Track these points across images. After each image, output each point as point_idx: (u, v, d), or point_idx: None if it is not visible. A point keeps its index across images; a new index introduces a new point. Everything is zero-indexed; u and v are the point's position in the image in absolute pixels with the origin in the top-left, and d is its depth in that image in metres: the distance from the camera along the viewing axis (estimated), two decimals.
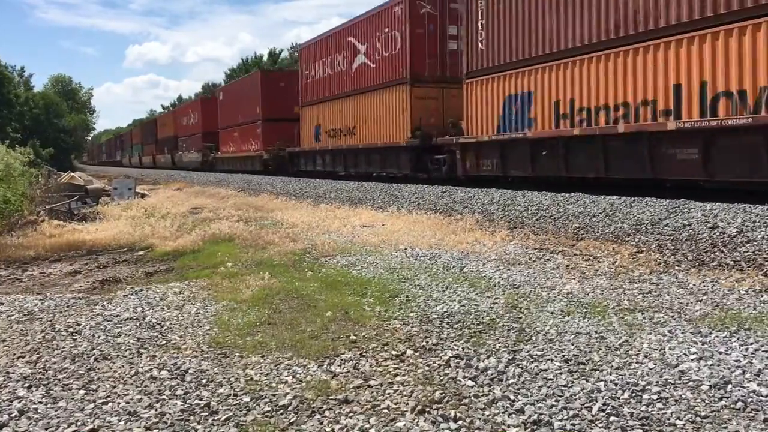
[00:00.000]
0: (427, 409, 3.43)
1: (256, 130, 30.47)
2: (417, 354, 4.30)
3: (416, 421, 3.31)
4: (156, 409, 3.53)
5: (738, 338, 4.40)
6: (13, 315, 5.67)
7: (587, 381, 3.73)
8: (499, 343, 4.46)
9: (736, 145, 9.26)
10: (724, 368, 3.83)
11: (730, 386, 3.57)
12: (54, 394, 3.78)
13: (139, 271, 8.08)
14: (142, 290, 6.55)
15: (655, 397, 3.48)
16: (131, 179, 22.33)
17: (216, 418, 3.43)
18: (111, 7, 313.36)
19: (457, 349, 4.33)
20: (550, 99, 12.68)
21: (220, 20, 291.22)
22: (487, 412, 3.39)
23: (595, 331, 4.64)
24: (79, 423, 3.38)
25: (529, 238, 9.47)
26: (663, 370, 3.85)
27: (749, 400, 3.40)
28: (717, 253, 7.23)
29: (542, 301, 5.59)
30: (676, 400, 3.44)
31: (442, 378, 3.87)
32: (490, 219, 11.17)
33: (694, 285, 6.15)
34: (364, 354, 4.34)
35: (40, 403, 3.65)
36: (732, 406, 3.36)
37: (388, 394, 3.66)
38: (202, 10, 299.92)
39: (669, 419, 3.24)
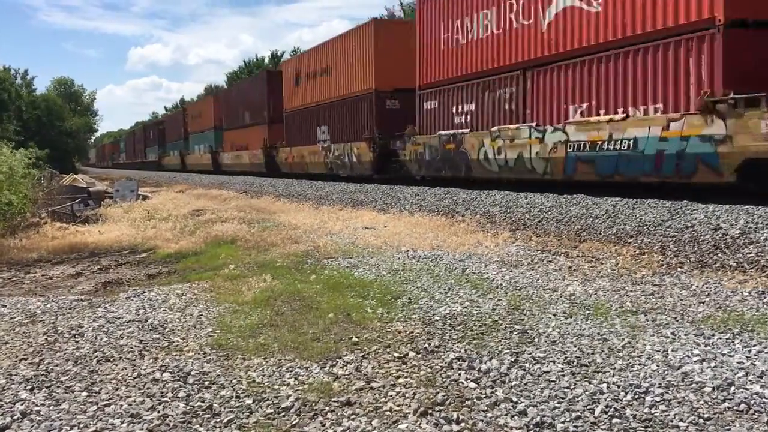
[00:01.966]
0: (430, 411, 3.42)
1: None
2: (419, 356, 4.30)
3: (419, 423, 3.30)
4: (158, 411, 3.53)
5: (741, 340, 4.39)
6: (15, 317, 5.68)
7: (590, 383, 3.72)
8: (501, 345, 4.45)
9: None
10: (726, 370, 3.83)
11: (733, 388, 3.56)
12: (56, 396, 3.79)
13: (141, 273, 8.09)
14: (144, 292, 6.55)
15: (657, 399, 3.48)
16: (133, 181, 22.37)
17: (218, 420, 3.43)
18: (113, 10, 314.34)
19: (460, 351, 4.32)
20: None
21: (222, 22, 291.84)
22: (489, 414, 3.38)
23: (598, 333, 4.63)
24: (81, 425, 3.38)
25: (531, 239, 9.46)
26: (666, 372, 3.84)
27: (752, 402, 3.40)
28: (720, 255, 7.21)
29: (545, 302, 5.59)
30: (679, 402, 3.43)
31: (444, 380, 3.87)
32: (492, 221, 11.16)
33: (697, 287, 6.14)
34: (366, 356, 4.33)
35: (43, 405, 3.65)
36: (735, 408, 3.36)
37: (391, 396, 3.66)
38: (204, 12, 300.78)
39: (672, 421, 3.23)
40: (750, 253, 7.01)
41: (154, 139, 59.29)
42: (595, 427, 3.20)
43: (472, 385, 3.77)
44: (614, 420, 3.26)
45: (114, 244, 10.56)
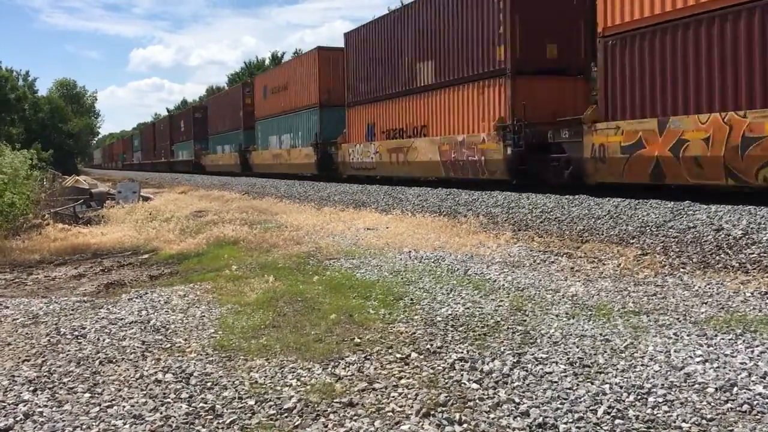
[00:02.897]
0: (432, 412, 3.42)
1: None
2: (421, 357, 4.30)
3: (421, 424, 3.30)
4: (161, 413, 3.53)
5: (743, 340, 4.39)
6: (18, 318, 5.69)
7: (592, 384, 3.72)
8: (503, 345, 4.45)
9: None
10: (729, 371, 3.82)
11: (735, 389, 3.56)
12: (59, 397, 3.79)
13: (143, 275, 8.10)
14: (146, 293, 6.56)
15: (660, 399, 3.47)
16: (135, 183, 22.42)
17: (221, 421, 3.43)
18: (115, 11, 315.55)
19: (462, 352, 4.32)
20: None
21: (224, 23, 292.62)
22: (492, 415, 3.38)
23: (600, 334, 4.63)
24: (84, 426, 3.38)
25: (533, 240, 9.45)
26: (668, 373, 3.84)
27: (755, 402, 3.39)
28: (722, 255, 7.20)
29: (547, 303, 5.58)
30: (681, 403, 3.43)
31: (446, 381, 3.86)
32: (495, 221, 11.16)
33: (699, 287, 6.13)
34: (368, 357, 4.33)
35: (45, 406, 3.65)
36: (738, 408, 3.35)
37: (393, 397, 3.66)
38: (206, 13, 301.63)
39: (674, 422, 3.22)
40: (753, 253, 7.00)
41: (188, 131, 43.23)
42: (598, 427, 3.20)
43: (475, 386, 3.77)
44: (617, 421, 3.25)
45: (116, 246, 10.58)
